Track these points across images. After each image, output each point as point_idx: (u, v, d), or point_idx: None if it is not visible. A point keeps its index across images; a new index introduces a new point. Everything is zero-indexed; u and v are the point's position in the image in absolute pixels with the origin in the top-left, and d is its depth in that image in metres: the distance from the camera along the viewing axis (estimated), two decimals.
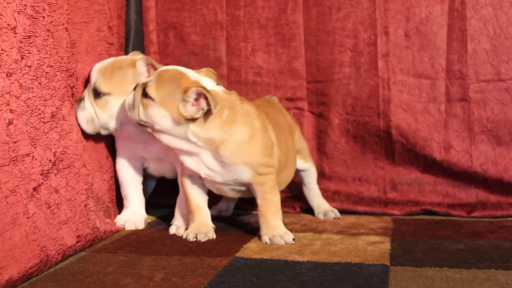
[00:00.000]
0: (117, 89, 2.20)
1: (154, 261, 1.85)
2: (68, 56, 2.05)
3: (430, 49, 2.65)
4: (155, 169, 2.48)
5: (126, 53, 2.69)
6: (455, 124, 2.65)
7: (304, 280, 1.66)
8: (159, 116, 2.01)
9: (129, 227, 2.32)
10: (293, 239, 2.09)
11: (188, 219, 2.26)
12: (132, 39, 2.83)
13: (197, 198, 2.22)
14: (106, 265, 1.80)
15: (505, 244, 2.04)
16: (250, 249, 2.00)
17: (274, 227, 2.12)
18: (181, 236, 2.18)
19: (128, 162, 2.41)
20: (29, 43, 1.78)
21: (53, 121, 1.91)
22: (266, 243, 2.08)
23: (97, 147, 2.29)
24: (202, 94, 1.94)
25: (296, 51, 2.79)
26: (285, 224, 2.18)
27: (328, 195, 2.70)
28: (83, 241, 1.96)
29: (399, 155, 2.70)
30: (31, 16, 1.80)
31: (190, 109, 1.98)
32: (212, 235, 2.17)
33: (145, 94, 2.02)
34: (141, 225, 2.35)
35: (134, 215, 2.38)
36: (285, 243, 2.07)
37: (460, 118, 2.64)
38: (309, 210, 2.67)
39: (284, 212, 2.32)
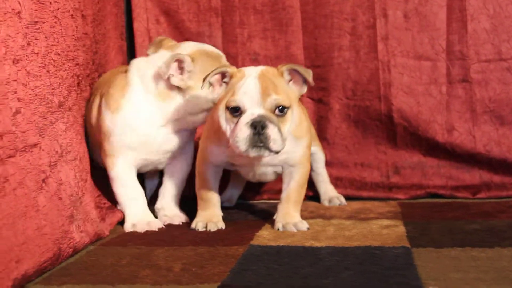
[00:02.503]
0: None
1: (167, 252, 1.77)
2: (74, 45, 1.97)
3: (430, 30, 2.62)
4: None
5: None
6: (457, 105, 2.62)
7: (327, 264, 1.60)
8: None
9: (142, 229, 2.07)
10: (308, 228, 2.04)
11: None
12: (126, 27, 2.73)
13: (215, 187, 2.16)
14: (119, 257, 1.72)
15: None
16: (264, 237, 1.94)
17: (291, 216, 2.07)
18: (190, 227, 2.11)
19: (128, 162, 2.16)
20: (36, 29, 1.69)
21: (60, 111, 1.82)
22: (278, 229, 2.03)
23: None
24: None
25: (293, 36, 2.72)
26: None
27: (331, 181, 2.64)
28: (90, 236, 1.87)
29: (401, 138, 2.67)
30: (38, 1, 1.71)
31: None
32: (222, 225, 2.10)
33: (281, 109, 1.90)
34: (157, 224, 2.11)
35: (145, 216, 2.14)
36: (297, 230, 2.02)
37: (462, 99, 2.61)
38: (312, 197, 2.62)
39: None
